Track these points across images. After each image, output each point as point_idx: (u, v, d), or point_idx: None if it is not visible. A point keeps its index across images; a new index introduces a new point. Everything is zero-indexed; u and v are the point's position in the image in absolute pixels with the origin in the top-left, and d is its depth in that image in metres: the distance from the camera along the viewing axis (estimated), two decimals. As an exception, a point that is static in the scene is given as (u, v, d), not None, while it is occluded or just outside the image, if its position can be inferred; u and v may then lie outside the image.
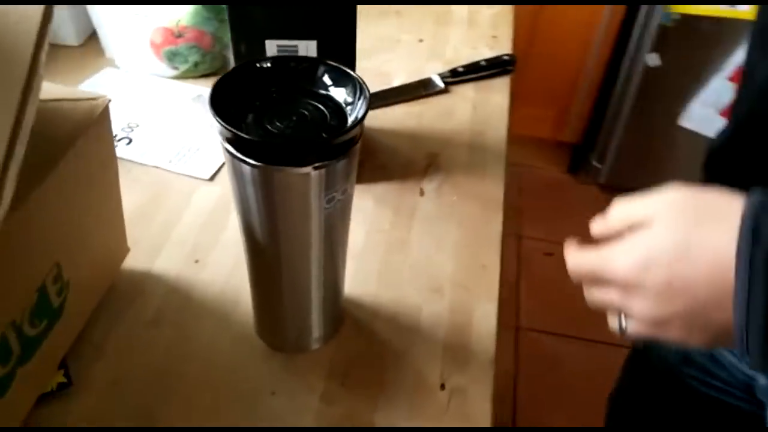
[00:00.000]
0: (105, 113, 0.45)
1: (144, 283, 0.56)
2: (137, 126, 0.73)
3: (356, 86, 0.41)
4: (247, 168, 0.39)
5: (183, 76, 0.80)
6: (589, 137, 1.95)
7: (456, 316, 0.56)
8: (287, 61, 0.42)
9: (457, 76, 0.82)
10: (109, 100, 0.46)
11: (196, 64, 0.79)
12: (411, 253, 0.61)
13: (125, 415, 0.47)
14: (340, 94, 0.42)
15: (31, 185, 0.39)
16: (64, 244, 0.44)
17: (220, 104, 0.39)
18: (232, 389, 0.49)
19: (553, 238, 1.91)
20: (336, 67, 0.42)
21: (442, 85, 0.81)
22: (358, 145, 0.41)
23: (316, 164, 0.39)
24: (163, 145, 0.70)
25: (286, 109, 0.40)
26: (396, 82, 0.82)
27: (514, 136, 2.10)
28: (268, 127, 0.39)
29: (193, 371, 0.50)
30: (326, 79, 0.42)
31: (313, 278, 0.47)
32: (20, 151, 0.34)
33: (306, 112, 0.41)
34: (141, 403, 0.48)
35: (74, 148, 0.42)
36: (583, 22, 1.77)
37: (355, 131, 0.40)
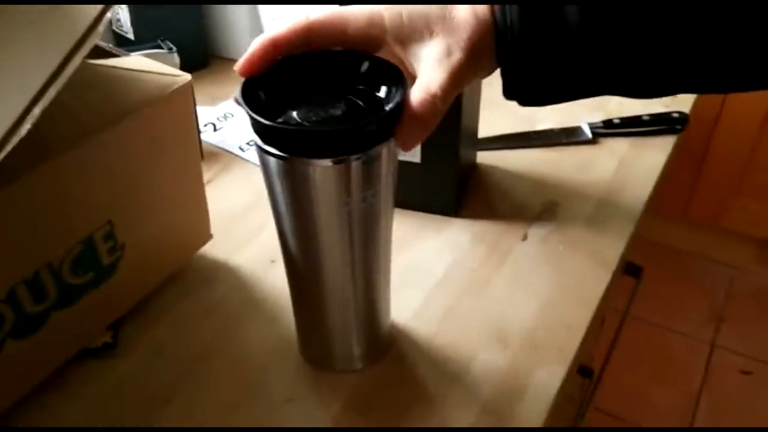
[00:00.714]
0: (184, 90, 0.48)
1: (218, 272, 0.58)
2: (273, 135, 0.76)
3: (397, 81, 0.39)
4: (269, 160, 0.38)
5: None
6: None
7: (513, 375, 0.48)
8: (331, 56, 0.41)
9: (611, 128, 0.74)
10: (190, 79, 0.48)
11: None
12: (489, 297, 0.55)
13: (154, 389, 0.48)
14: (383, 90, 0.39)
15: (86, 135, 0.42)
16: (120, 205, 0.47)
17: (254, 95, 0.38)
18: (258, 392, 0.48)
19: (755, 355, 1.62)
20: (381, 61, 0.40)
21: (590, 135, 0.74)
22: (391, 146, 0.38)
23: (335, 158, 0.37)
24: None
25: (323, 103, 0.39)
26: (540, 127, 0.77)
27: (729, 233, 1.88)
28: (298, 119, 0.38)
29: (227, 366, 0.50)
30: (370, 74, 0.40)
31: (343, 289, 0.44)
32: (51, 93, 0.36)
33: (342, 107, 0.39)
34: (170, 381, 0.49)
35: (141, 113, 0.45)
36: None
37: (374, 127, 0.37)
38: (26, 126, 0.35)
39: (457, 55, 0.38)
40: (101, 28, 0.39)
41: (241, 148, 0.74)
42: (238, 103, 0.38)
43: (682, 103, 0.80)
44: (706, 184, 1.72)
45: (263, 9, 0.85)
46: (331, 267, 0.43)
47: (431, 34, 0.39)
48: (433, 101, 0.37)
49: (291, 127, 0.37)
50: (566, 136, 0.74)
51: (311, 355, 0.50)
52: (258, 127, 0.37)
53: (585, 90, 0.42)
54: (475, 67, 0.40)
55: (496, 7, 0.39)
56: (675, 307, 1.74)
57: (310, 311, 0.47)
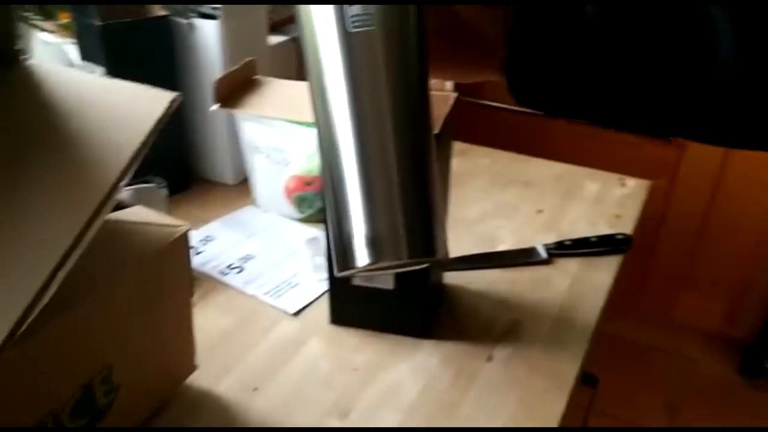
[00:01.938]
0: (181, 240, 0.53)
1: (202, 401, 0.61)
2: (252, 258, 0.81)
3: None
4: None
5: (307, 220, 0.89)
6: (765, 337, 1.73)
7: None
8: None
9: (563, 249, 0.82)
10: (188, 230, 0.54)
11: (319, 210, 0.88)
12: (456, 420, 0.59)
13: None
14: None
15: (90, 290, 0.46)
16: (119, 350, 0.51)
17: None
18: None
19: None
20: None
21: (545, 255, 0.81)
22: None
23: None
24: (267, 278, 0.78)
25: None
26: (500, 248, 0.84)
27: (678, 325, 1.96)
28: None
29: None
30: None
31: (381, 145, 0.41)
32: (70, 263, 0.41)
33: None
34: None
35: (145, 263, 0.50)
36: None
37: None
38: (51, 291, 0.40)
39: None
40: (121, 187, 0.45)
41: (222, 272, 0.79)
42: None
43: (626, 225, 0.89)
44: (655, 280, 1.81)
45: (245, 133, 0.92)
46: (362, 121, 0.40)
47: None
48: None
49: None
50: (523, 257, 0.81)
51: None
52: None
53: (581, 89, 0.44)
54: None
55: None
56: (630, 399, 1.79)
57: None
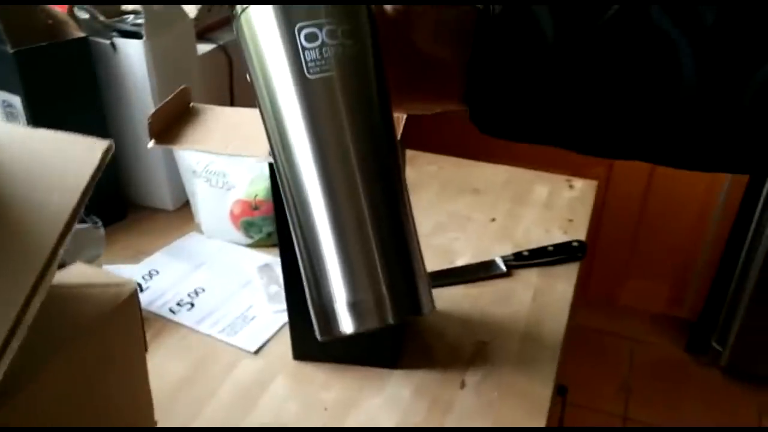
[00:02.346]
0: (129, 301, 0.48)
1: (164, 458, 0.57)
2: (203, 291, 0.77)
3: None
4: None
5: (256, 245, 0.85)
6: (708, 315, 1.80)
7: None
8: None
9: (521, 260, 0.81)
10: (135, 288, 0.49)
11: (269, 234, 0.84)
12: (436, 455, 0.57)
13: None
14: None
15: (40, 365, 0.42)
16: (73, 418, 0.46)
17: None
18: None
19: (664, 424, 1.73)
20: None
21: (504, 268, 0.80)
22: None
23: None
24: (221, 313, 0.73)
25: None
26: (459, 262, 0.82)
27: (625, 309, 2.01)
28: None
29: None
30: None
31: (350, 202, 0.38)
32: (15, 344, 0.36)
33: None
34: None
35: (92, 331, 0.45)
36: (703, 189, 1.70)
37: None
38: (5, 362, 0.35)
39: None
40: (59, 255, 0.40)
41: (171, 310, 0.74)
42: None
43: (578, 229, 0.89)
44: (599, 268, 1.85)
45: (181, 157, 0.87)
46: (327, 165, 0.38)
47: None
48: None
49: None
50: (483, 271, 0.80)
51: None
52: None
53: (545, 117, 0.43)
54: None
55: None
56: (586, 384, 1.83)
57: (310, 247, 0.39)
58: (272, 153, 0.41)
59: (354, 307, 0.37)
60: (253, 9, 0.39)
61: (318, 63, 0.38)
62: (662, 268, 1.83)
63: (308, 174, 0.38)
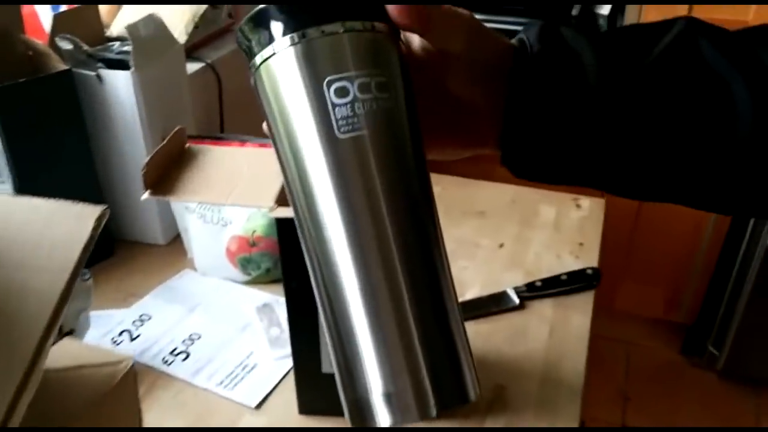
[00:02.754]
0: (126, 378, 0.44)
1: None
2: (198, 338, 0.72)
3: None
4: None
5: (254, 282, 0.80)
6: (704, 319, 1.78)
7: None
8: None
9: (534, 291, 0.77)
10: (133, 364, 0.45)
11: (268, 270, 0.79)
12: None
13: None
14: None
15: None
16: None
17: None
18: None
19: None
20: None
21: (517, 301, 0.76)
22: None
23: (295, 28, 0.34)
24: (218, 362, 0.69)
25: None
26: (469, 294, 0.78)
27: (620, 314, 1.97)
28: None
29: None
30: None
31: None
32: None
33: None
34: None
35: (88, 414, 0.41)
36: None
37: None
38: None
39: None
40: (52, 338, 0.36)
41: (165, 361, 0.69)
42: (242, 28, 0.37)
43: (590, 253, 0.85)
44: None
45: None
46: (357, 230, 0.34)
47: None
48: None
49: None
50: (495, 304, 0.76)
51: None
52: None
53: (582, 157, 0.40)
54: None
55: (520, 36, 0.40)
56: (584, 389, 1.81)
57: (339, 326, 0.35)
58: (296, 216, 0.36)
59: (391, 398, 0.33)
60: (275, 61, 0.35)
61: (350, 121, 0.33)
62: (658, 273, 1.80)
63: (338, 244, 0.34)
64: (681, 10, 1.51)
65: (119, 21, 0.87)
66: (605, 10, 1.78)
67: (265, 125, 0.38)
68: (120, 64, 0.75)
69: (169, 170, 0.55)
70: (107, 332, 0.74)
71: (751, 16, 1.47)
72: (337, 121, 0.34)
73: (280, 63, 0.35)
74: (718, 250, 1.70)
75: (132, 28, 0.71)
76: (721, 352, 1.74)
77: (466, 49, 0.40)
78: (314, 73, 0.34)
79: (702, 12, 1.50)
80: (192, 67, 1.03)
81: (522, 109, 0.39)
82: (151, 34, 0.74)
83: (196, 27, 1.04)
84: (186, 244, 0.85)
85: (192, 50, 1.07)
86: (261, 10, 0.37)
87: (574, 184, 0.42)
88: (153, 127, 0.78)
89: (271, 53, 0.35)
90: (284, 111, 0.35)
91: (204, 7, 0.90)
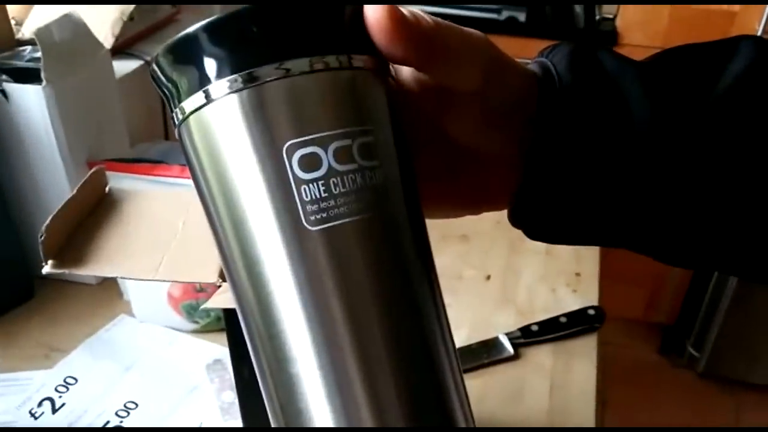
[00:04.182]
0: None
1: None
2: (135, 407, 0.60)
3: None
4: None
5: (204, 330, 0.68)
6: (684, 320, 1.73)
7: None
8: None
9: (530, 337, 0.67)
10: None
11: (218, 318, 0.67)
12: None
13: None
14: None
15: None
16: None
17: None
18: None
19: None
20: None
21: (511, 350, 0.66)
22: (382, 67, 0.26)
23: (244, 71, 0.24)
24: (161, 442, 0.57)
25: None
26: (456, 340, 0.67)
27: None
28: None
29: None
30: None
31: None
32: None
33: None
34: None
35: None
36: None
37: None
38: None
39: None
40: None
41: (96, 440, 0.57)
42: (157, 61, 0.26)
43: (588, 285, 0.76)
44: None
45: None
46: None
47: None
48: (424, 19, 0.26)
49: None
50: (487, 354, 0.66)
51: None
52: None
53: (620, 219, 0.31)
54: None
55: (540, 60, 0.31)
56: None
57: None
58: (238, 305, 0.26)
59: None
60: (211, 113, 0.24)
61: (323, 206, 0.23)
62: (638, 272, 1.74)
63: (307, 371, 0.24)
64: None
65: (33, 19, 0.73)
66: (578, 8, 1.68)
67: (198, 196, 0.26)
68: (33, 75, 0.62)
69: (81, 228, 0.42)
70: (24, 401, 0.61)
71: (736, 17, 1.39)
72: (303, 206, 0.23)
73: (218, 116, 0.24)
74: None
75: (43, 32, 0.57)
76: (701, 354, 1.69)
77: (480, 87, 0.28)
78: (268, 133, 0.23)
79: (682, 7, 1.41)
80: (128, 65, 0.89)
81: (548, 161, 0.29)
82: (69, 39, 0.61)
83: (131, 19, 0.90)
84: (121, 284, 0.72)
85: (127, 45, 0.93)
86: (187, 36, 0.25)
87: (601, 245, 0.35)
88: (75, 150, 0.64)
89: (203, 102, 0.24)
90: (225, 184, 0.24)
91: (134, 3, 0.76)
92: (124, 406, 0.60)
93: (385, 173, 0.24)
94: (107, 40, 0.69)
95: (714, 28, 1.36)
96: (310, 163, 0.23)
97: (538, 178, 0.29)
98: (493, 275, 0.77)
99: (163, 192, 0.48)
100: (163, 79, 0.26)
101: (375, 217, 0.24)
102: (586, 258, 0.80)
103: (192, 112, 0.24)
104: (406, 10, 0.26)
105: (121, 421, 0.59)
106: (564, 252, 0.81)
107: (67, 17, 0.61)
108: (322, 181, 0.23)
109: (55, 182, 0.66)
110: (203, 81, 0.24)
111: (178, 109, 0.25)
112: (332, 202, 0.23)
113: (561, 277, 0.76)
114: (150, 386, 0.62)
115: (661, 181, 0.29)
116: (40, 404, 0.61)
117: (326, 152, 0.23)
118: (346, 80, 0.24)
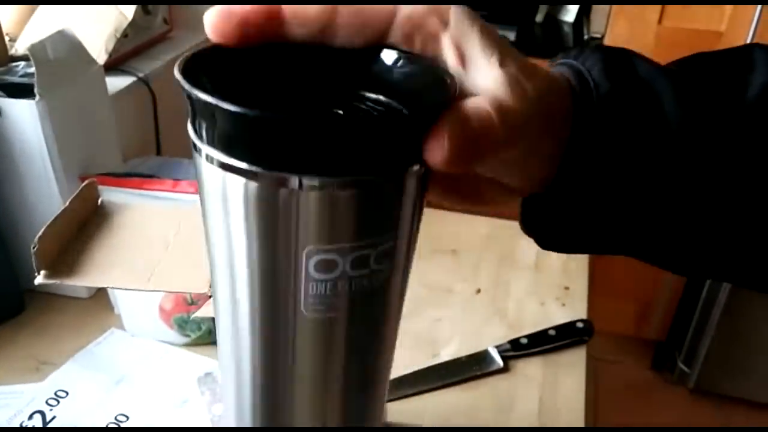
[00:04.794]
0: None
1: None
2: (126, 420, 0.60)
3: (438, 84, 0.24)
4: (232, 187, 0.22)
5: (195, 343, 0.68)
6: (675, 336, 1.74)
7: None
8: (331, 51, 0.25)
9: (520, 349, 0.68)
10: None
11: (210, 331, 0.68)
12: None
13: None
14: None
15: None
16: None
17: (196, 80, 0.22)
18: None
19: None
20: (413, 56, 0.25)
21: (500, 363, 0.66)
22: (420, 173, 0.24)
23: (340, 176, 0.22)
24: (151, 455, 0.57)
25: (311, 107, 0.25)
26: (445, 353, 0.68)
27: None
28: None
29: None
30: (392, 73, 0.25)
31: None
32: None
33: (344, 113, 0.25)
34: None
35: None
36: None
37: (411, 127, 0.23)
38: None
39: (530, 93, 0.26)
40: None
41: (86, 454, 0.57)
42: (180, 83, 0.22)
43: (577, 299, 0.76)
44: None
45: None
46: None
47: (501, 57, 0.26)
48: (496, 119, 0.24)
49: (281, 116, 0.21)
50: (477, 366, 0.66)
51: None
52: (215, 119, 0.21)
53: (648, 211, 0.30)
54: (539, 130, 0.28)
55: (570, 62, 0.30)
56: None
57: None
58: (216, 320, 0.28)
59: None
60: (229, 180, 0.22)
61: (324, 301, 0.24)
62: (629, 288, 1.74)
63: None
64: (651, 12, 1.44)
65: (27, 34, 0.74)
66: (570, 16, 1.71)
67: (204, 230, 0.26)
68: (26, 90, 0.62)
69: (74, 240, 0.43)
70: (15, 414, 0.61)
71: (726, 20, 1.41)
72: (306, 297, 0.24)
73: (234, 187, 0.22)
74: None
75: (36, 48, 0.58)
76: (692, 369, 1.69)
77: (518, 143, 0.27)
78: (289, 232, 0.23)
79: (674, 16, 1.43)
80: (121, 82, 0.90)
81: (584, 170, 0.29)
82: (62, 55, 0.62)
83: (125, 36, 0.91)
84: (112, 298, 0.72)
85: (120, 62, 0.94)
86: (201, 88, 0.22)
87: (613, 253, 0.33)
88: (68, 165, 0.65)
89: (224, 165, 0.22)
90: (229, 239, 0.24)
91: (128, 19, 0.77)
92: (115, 418, 0.60)
93: (390, 273, 0.25)
94: (101, 56, 0.70)
95: (701, 47, 1.37)
96: (325, 266, 0.23)
97: (571, 186, 0.29)
98: (483, 289, 0.78)
99: (155, 205, 0.49)
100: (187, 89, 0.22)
101: (370, 310, 0.26)
102: (575, 272, 0.80)
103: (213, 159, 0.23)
104: (476, 122, 0.24)
105: (112, 435, 0.59)
106: (553, 266, 0.81)
107: (60, 33, 0.62)
108: (331, 283, 0.23)
109: (47, 196, 0.66)
110: (226, 145, 0.22)
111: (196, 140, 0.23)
112: (334, 300, 0.24)
113: (550, 290, 0.77)
114: (141, 399, 0.62)
115: (695, 186, 0.29)
116: (30, 417, 0.60)
117: (344, 260, 0.23)
118: (387, 194, 0.24)
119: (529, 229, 0.32)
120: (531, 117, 0.26)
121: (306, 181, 0.21)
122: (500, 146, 0.25)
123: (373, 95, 0.26)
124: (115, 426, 0.60)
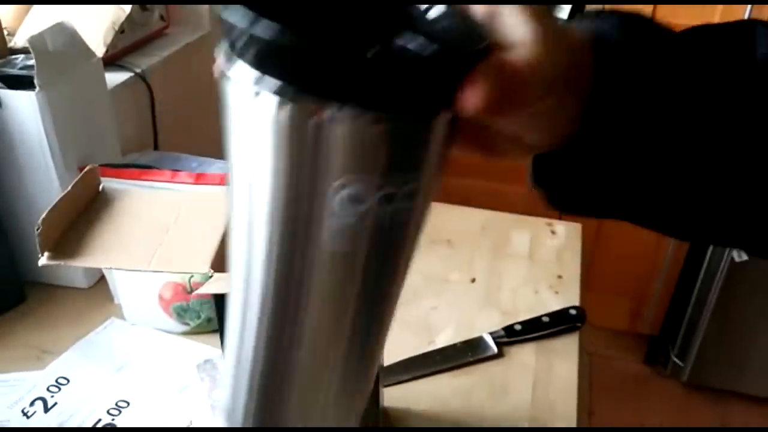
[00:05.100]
0: None
1: None
2: (127, 406, 0.61)
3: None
4: (265, 108, 0.22)
5: (194, 332, 0.69)
6: (668, 330, 1.75)
7: None
8: None
9: (513, 336, 0.69)
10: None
11: (209, 320, 0.69)
12: None
13: None
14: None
15: None
16: None
17: None
18: None
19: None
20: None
21: (495, 349, 0.67)
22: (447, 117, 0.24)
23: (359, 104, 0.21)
24: (152, 439, 0.58)
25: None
26: (441, 340, 0.69)
27: (584, 325, 1.88)
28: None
29: None
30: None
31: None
32: None
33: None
34: None
35: None
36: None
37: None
38: None
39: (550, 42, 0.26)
40: None
41: (88, 438, 0.58)
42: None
43: (570, 287, 0.77)
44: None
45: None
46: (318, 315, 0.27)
47: (535, 12, 0.26)
48: (530, 72, 0.25)
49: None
50: (471, 352, 0.67)
51: None
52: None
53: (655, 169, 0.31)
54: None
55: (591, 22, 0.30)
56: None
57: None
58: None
59: None
60: (259, 104, 0.22)
61: (346, 235, 0.24)
62: (622, 283, 1.76)
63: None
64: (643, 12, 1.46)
65: (26, 28, 0.74)
66: (563, 15, 1.72)
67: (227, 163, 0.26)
68: (25, 82, 0.63)
69: (76, 223, 0.44)
70: (16, 401, 0.62)
71: (716, 20, 1.42)
72: (327, 229, 0.24)
73: (265, 115, 0.22)
74: (682, 260, 1.66)
75: (36, 40, 0.59)
76: (686, 363, 1.71)
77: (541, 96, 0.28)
78: (317, 164, 0.23)
79: (665, 15, 1.45)
80: (118, 77, 0.91)
81: (604, 123, 0.29)
82: (61, 47, 0.63)
83: (122, 31, 0.92)
84: (112, 287, 0.73)
85: (118, 57, 0.95)
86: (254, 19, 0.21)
87: (619, 217, 0.34)
88: (67, 156, 0.66)
89: (256, 91, 0.22)
90: (252, 173, 0.24)
91: (126, 13, 0.78)
92: (116, 404, 0.61)
93: (412, 212, 0.25)
94: (99, 49, 0.71)
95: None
96: (352, 200, 0.23)
97: (592, 140, 0.29)
98: (478, 278, 0.79)
99: (155, 192, 0.50)
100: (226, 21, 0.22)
101: (389, 247, 0.26)
102: (568, 261, 0.82)
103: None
104: (511, 73, 0.25)
105: (113, 419, 0.60)
106: (546, 255, 0.83)
107: (59, 26, 0.63)
108: (356, 217, 0.23)
109: (47, 187, 0.67)
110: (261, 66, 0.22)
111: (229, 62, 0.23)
112: (355, 235, 0.24)
113: (543, 279, 0.78)
114: (141, 385, 0.63)
115: (705, 143, 0.29)
116: (32, 404, 0.61)
117: (373, 195, 0.23)
118: (416, 135, 0.24)
119: (539, 185, 0.33)
120: (561, 72, 0.27)
121: (339, 113, 0.21)
122: (533, 99, 0.26)
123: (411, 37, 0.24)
124: (116, 412, 0.61)
